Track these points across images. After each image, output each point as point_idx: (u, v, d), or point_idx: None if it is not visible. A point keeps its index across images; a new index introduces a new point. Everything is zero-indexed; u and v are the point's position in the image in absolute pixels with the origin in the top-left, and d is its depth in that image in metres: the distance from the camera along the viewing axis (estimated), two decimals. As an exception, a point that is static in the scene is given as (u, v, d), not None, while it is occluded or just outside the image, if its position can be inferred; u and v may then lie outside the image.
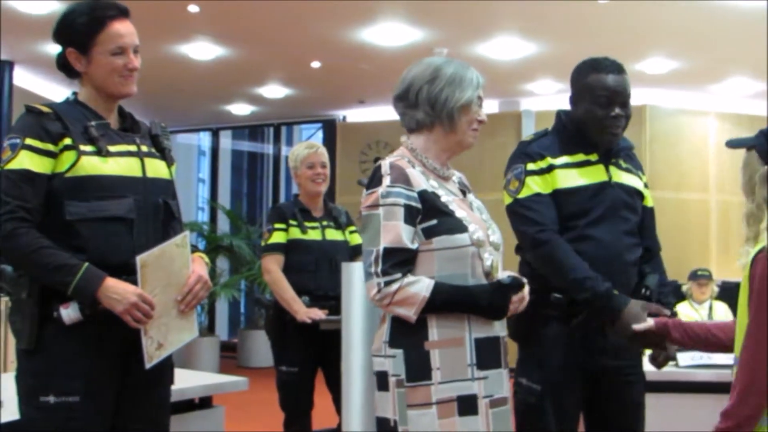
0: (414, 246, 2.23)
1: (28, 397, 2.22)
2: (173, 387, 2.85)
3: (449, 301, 2.23)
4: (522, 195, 2.72)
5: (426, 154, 2.39)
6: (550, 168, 2.75)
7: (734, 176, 9.16)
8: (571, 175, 2.75)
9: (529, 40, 7.58)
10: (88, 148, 2.26)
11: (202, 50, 8.00)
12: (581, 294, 2.62)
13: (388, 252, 2.21)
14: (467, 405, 2.23)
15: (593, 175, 2.76)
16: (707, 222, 9.39)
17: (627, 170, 2.84)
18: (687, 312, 6.61)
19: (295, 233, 4.05)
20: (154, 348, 2.26)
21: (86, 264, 2.17)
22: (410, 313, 2.21)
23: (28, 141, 2.21)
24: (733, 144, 2.28)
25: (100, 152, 2.27)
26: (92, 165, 2.25)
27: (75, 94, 2.40)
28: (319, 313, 3.87)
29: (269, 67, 8.98)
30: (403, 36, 7.48)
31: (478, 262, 2.27)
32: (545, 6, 6.66)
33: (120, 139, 2.35)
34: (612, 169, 2.79)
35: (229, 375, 3.85)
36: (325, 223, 4.15)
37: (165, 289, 2.29)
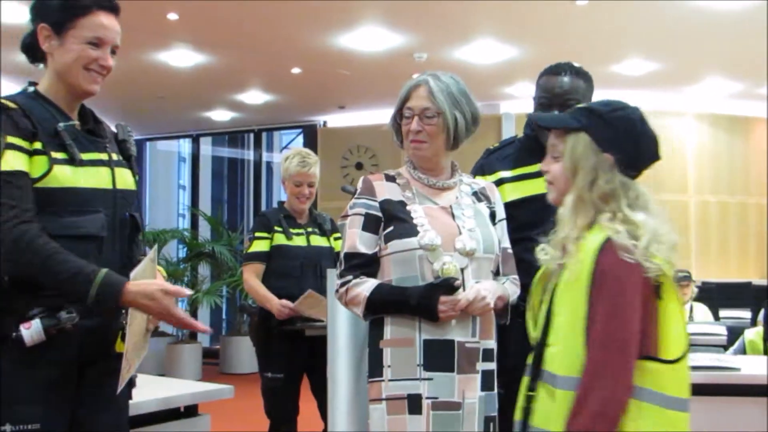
0: (370, 251, 2.42)
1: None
2: (159, 396, 2.85)
3: (385, 301, 2.37)
4: None
5: (415, 166, 2.54)
6: (500, 182, 2.82)
7: (713, 177, 9.24)
8: (522, 186, 2.79)
9: (507, 44, 7.62)
10: (60, 155, 2.06)
11: (181, 57, 7.98)
12: None
13: (346, 257, 2.44)
14: (414, 404, 2.33)
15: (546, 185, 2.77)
16: (686, 223, 9.46)
17: None
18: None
19: (281, 239, 4.07)
20: (126, 370, 2.12)
21: (104, 270, 1.99)
22: (359, 312, 2.42)
23: (10, 139, 2.01)
24: (553, 123, 2.07)
25: (73, 161, 2.08)
26: (65, 176, 2.05)
27: (33, 85, 2.19)
28: (289, 303, 3.88)
29: (249, 74, 8.98)
30: (382, 41, 7.50)
31: (428, 266, 2.36)
32: (523, 9, 6.69)
33: (90, 146, 2.16)
34: None
35: (212, 382, 3.84)
36: (310, 229, 4.16)
37: None
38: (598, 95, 8.85)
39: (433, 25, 7.19)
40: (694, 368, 3.59)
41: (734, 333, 5.35)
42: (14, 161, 2.00)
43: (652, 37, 7.41)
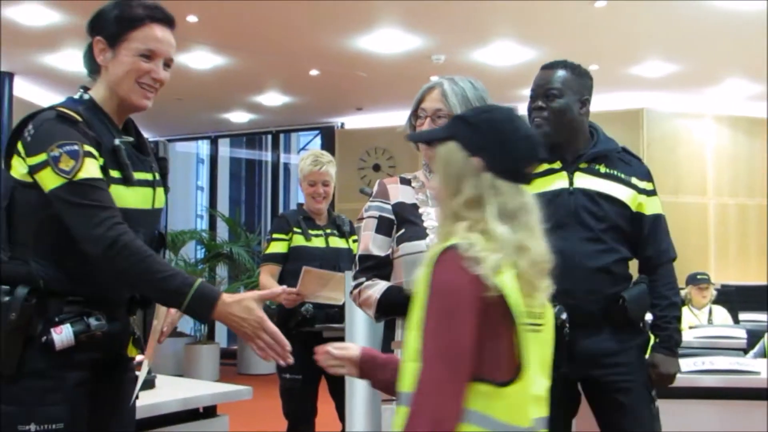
0: (383, 253, 2.46)
1: (5, 425, 2.01)
2: (179, 396, 2.87)
3: (395, 303, 2.38)
4: None
5: (430, 168, 2.54)
6: None
7: (732, 179, 9.19)
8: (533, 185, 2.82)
9: (526, 46, 7.61)
10: (115, 173, 2.07)
11: (200, 59, 8.02)
12: None
13: (359, 259, 2.50)
14: None
15: (550, 184, 2.77)
16: (705, 225, 9.41)
17: (607, 176, 2.80)
18: (687, 317, 6.60)
19: (299, 240, 4.09)
20: (143, 375, 2.15)
21: (200, 280, 1.96)
22: (371, 314, 2.46)
23: (86, 147, 2.00)
24: (420, 138, 2.08)
25: (127, 181, 2.09)
26: (118, 195, 2.05)
27: (86, 90, 2.17)
28: (292, 289, 3.83)
29: (267, 76, 9.01)
30: (400, 43, 7.51)
31: None
32: (542, 11, 6.68)
33: (140, 164, 2.16)
34: (578, 174, 2.79)
35: (230, 383, 3.86)
36: (328, 231, 4.18)
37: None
38: (618, 97, 8.93)
39: (451, 27, 7.19)
40: (715, 372, 3.58)
41: (754, 336, 5.33)
42: (93, 169, 2.00)
43: (672, 38, 7.38)
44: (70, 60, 7.50)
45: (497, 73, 8.20)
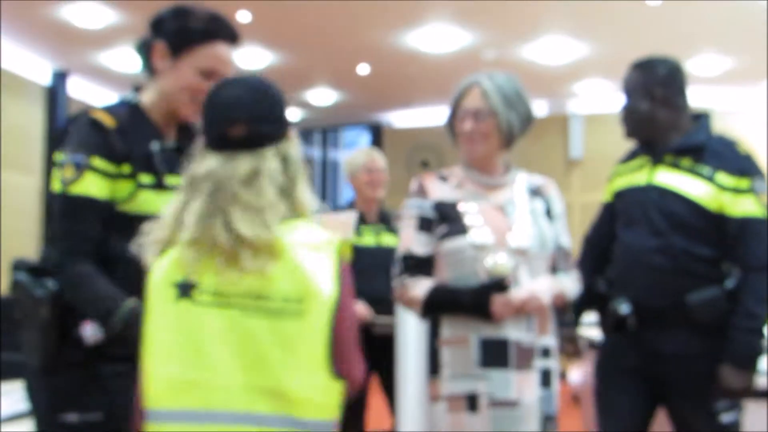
0: (425, 251, 2.45)
1: (47, 415, 2.08)
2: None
3: (440, 301, 2.41)
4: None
5: (469, 165, 2.56)
6: (614, 175, 2.93)
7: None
8: (623, 180, 2.85)
9: (577, 41, 7.54)
10: (147, 178, 2.07)
11: (252, 58, 8.09)
12: None
13: (401, 258, 2.49)
14: (472, 402, 2.35)
15: (635, 178, 2.79)
16: (762, 223, 9.21)
17: (689, 171, 2.67)
18: None
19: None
20: None
21: (127, 305, 1.94)
22: (416, 312, 2.47)
23: (94, 161, 2.01)
24: None
25: (158, 186, 2.08)
26: (147, 200, 2.05)
27: (137, 91, 2.17)
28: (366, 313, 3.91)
29: (317, 73, 9.06)
30: (450, 40, 7.50)
31: (480, 264, 2.38)
32: (594, 7, 6.61)
33: (177, 168, 2.02)
34: (659, 169, 2.74)
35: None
36: (379, 227, 4.19)
37: None
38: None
39: (501, 23, 7.16)
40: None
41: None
42: (91, 186, 2.01)
43: (726, 35, 7.25)
44: (124, 59, 7.64)
45: (547, 70, 8.15)
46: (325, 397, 1.61)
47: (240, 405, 1.59)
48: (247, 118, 1.68)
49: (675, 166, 2.71)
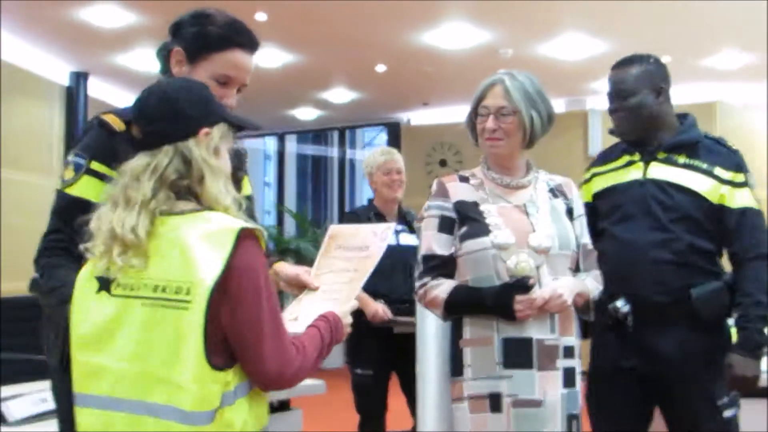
0: (446, 252, 2.45)
1: (65, 412, 2.05)
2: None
3: (463, 302, 2.41)
4: None
5: (489, 165, 2.55)
6: (591, 176, 2.91)
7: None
8: (607, 179, 2.84)
9: (595, 38, 7.49)
10: None
11: (269, 57, 8.09)
12: None
13: (423, 259, 2.49)
14: (496, 402, 2.35)
15: (627, 175, 2.79)
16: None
17: (686, 166, 2.74)
18: None
19: None
20: None
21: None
22: (438, 314, 2.48)
23: (94, 165, 2.02)
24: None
25: None
26: None
27: None
28: (388, 312, 3.91)
29: (334, 72, 9.06)
30: (467, 37, 7.47)
31: (502, 265, 2.38)
32: (612, 3, 6.58)
33: None
34: (653, 165, 2.77)
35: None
36: (399, 227, 4.18)
37: None
38: (690, 90, 8.72)
39: (519, 21, 7.13)
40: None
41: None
42: (86, 189, 2.01)
43: (746, 29, 7.18)
44: (144, 60, 7.65)
45: (565, 67, 8.10)
46: (201, 388, 1.62)
47: (138, 394, 1.67)
48: (141, 119, 1.79)
49: (670, 162, 2.75)
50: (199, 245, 1.64)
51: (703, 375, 2.66)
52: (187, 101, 1.76)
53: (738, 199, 2.72)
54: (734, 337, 2.70)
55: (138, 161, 1.74)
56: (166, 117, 1.74)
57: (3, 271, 6.72)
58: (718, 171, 2.73)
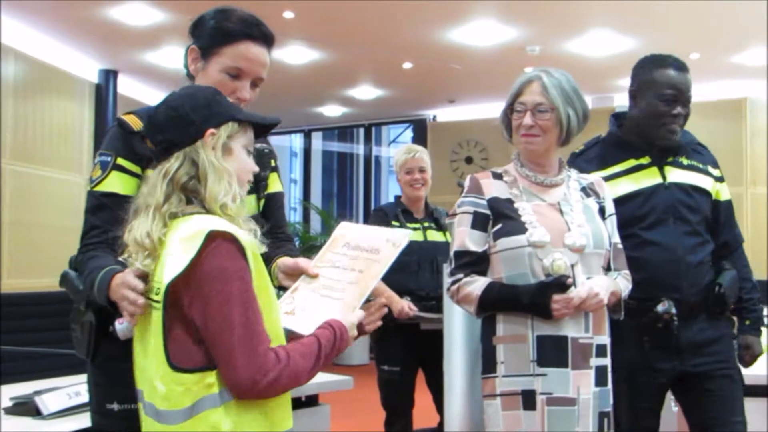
0: (480, 249, 2.44)
1: (95, 404, 2.19)
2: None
3: (498, 299, 2.40)
4: None
5: (523, 163, 2.55)
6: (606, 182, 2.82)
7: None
8: (620, 184, 2.77)
9: (623, 35, 7.46)
10: None
11: (295, 55, 8.13)
12: None
13: (456, 255, 2.48)
14: (529, 400, 2.35)
15: (645, 179, 2.76)
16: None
17: (690, 168, 2.81)
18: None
19: None
20: None
21: (106, 268, 1.94)
22: (471, 310, 2.46)
23: (120, 161, 2.08)
24: None
25: None
26: None
27: None
28: (413, 309, 3.92)
29: (361, 69, 9.08)
30: (494, 35, 7.46)
31: (538, 263, 2.37)
32: (639, 0, 6.54)
33: None
34: (668, 169, 2.78)
35: (330, 373, 3.95)
36: (426, 224, 4.20)
37: None
38: (719, 87, 8.65)
39: (546, 18, 7.11)
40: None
41: None
42: (115, 183, 2.07)
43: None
44: (172, 57, 7.72)
45: (593, 64, 8.07)
46: (167, 388, 1.66)
47: (145, 393, 1.77)
48: (151, 132, 1.84)
49: (677, 164, 2.80)
50: (176, 247, 1.66)
51: (733, 357, 2.79)
52: (190, 107, 1.78)
53: (723, 193, 2.87)
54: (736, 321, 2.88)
55: (155, 171, 1.80)
56: (172, 126, 1.77)
57: (40, 266, 6.83)
58: (710, 169, 2.86)
